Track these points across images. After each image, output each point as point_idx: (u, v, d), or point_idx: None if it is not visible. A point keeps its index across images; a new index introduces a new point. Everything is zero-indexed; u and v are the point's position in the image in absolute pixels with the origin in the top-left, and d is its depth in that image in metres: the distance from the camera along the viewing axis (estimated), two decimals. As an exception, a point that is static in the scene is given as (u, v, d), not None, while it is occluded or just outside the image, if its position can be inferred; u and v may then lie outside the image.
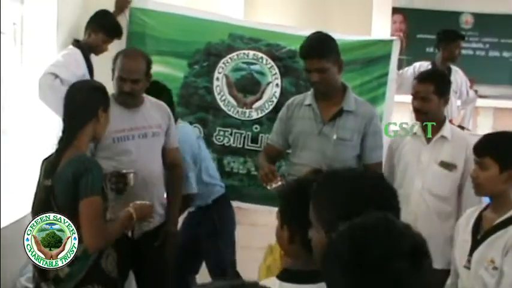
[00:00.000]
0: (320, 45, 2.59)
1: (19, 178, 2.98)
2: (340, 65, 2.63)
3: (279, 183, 2.47)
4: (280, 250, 2.24)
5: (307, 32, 3.52)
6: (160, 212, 2.73)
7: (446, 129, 2.58)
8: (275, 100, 3.56)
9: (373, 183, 1.35)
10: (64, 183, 2.02)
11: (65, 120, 2.15)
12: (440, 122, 2.59)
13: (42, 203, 2.05)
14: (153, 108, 2.73)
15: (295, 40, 3.57)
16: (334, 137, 2.62)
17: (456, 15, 7.74)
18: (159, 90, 2.94)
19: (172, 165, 2.80)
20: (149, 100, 2.75)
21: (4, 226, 2.63)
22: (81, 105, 2.13)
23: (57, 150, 2.11)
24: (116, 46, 3.41)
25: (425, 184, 2.57)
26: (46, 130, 3.17)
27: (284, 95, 3.55)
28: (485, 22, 7.67)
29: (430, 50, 8.07)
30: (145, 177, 2.57)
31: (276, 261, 2.27)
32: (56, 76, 3.01)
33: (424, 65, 4.51)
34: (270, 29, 3.68)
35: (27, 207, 2.63)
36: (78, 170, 2.00)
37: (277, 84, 3.57)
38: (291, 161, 2.79)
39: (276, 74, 3.57)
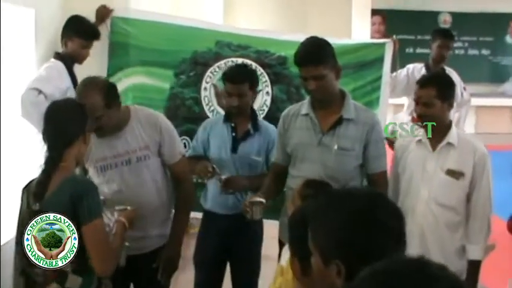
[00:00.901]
0: (316, 51, 2.47)
1: None
2: (338, 71, 2.52)
3: (248, 210, 2.47)
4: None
5: (297, 37, 3.44)
6: (158, 234, 2.58)
7: (452, 135, 2.47)
8: (266, 109, 3.45)
9: (371, 203, 1.24)
10: (59, 208, 1.89)
11: (50, 139, 2.01)
12: (445, 128, 2.49)
13: None
14: (139, 127, 2.51)
15: (284, 46, 3.48)
16: (335, 147, 2.50)
17: (434, 15, 7.79)
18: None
19: (177, 181, 2.65)
20: (137, 116, 2.53)
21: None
22: (69, 122, 2.02)
23: (44, 171, 1.97)
24: (99, 56, 3.30)
25: (432, 193, 2.46)
26: (26, 151, 2.99)
27: (275, 103, 3.46)
28: (464, 21, 7.72)
29: (410, 50, 8.12)
30: (132, 204, 2.36)
31: (288, 282, 2.16)
32: (40, 91, 2.85)
33: (417, 67, 4.44)
34: (258, 35, 3.57)
35: (8, 234, 2.47)
36: (76, 192, 1.89)
37: (267, 92, 3.46)
38: (291, 173, 2.66)
39: (266, 81, 3.46)
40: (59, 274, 1.89)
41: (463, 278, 2.47)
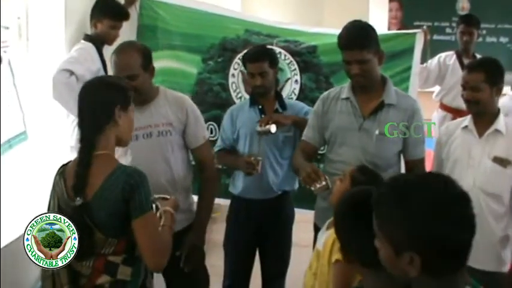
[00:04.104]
0: (361, 35, 2.41)
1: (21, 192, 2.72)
2: (381, 56, 2.47)
3: (323, 183, 2.28)
4: (329, 256, 2.11)
5: (327, 30, 3.39)
6: (178, 218, 2.48)
7: (500, 122, 2.41)
8: (294, 97, 3.40)
9: (441, 191, 1.19)
10: (110, 201, 1.81)
11: (82, 125, 1.89)
12: (493, 114, 2.42)
13: (74, 222, 1.81)
14: (167, 104, 2.50)
15: (314, 37, 3.44)
16: (376, 132, 2.46)
17: (452, 1, 7.65)
18: None
19: (200, 165, 2.62)
20: (165, 95, 2.52)
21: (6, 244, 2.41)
22: (95, 105, 1.87)
23: (81, 162, 1.85)
24: (127, 39, 3.19)
25: (477, 181, 2.40)
26: (58, 134, 2.94)
27: (303, 92, 3.40)
28: (482, 8, 7.57)
29: (427, 37, 7.98)
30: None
31: (323, 267, 2.13)
32: (71, 73, 2.81)
33: (449, 55, 4.39)
34: (288, 27, 3.50)
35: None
36: (129, 185, 1.80)
37: (296, 81, 3.41)
38: (329, 158, 2.61)
39: (295, 69, 3.40)
40: (109, 266, 1.85)
41: (507, 268, 2.42)
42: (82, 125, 1.88)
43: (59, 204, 1.90)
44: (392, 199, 1.21)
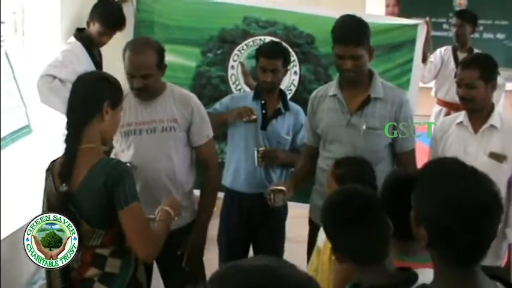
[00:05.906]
0: (358, 31, 2.42)
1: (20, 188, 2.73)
2: (372, 52, 2.49)
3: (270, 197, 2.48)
4: (330, 253, 2.11)
5: (325, 12, 3.38)
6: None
7: (495, 118, 2.42)
8: (293, 89, 3.39)
9: (472, 196, 1.21)
10: (92, 193, 1.82)
11: (68, 115, 1.90)
12: (488, 110, 2.44)
13: (59, 211, 1.83)
14: (172, 101, 2.50)
15: (313, 23, 3.40)
16: (364, 127, 2.48)
17: (450, -3, 7.67)
18: None
19: (203, 164, 2.61)
20: (172, 91, 2.52)
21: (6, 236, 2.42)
22: (84, 96, 1.87)
23: (66, 150, 1.87)
24: (123, 35, 3.20)
25: (474, 177, 2.41)
26: (61, 128, 2.93)
27: (303, 83, 3.40)
28: (479, 4, 7.57)
29: (430, 29, 7.96)
30: (147, 176, 2.33)
31: (324, 264, 2.14)
32: (54, 77, 2.80)
33: (447, 49, 4.40)
34: (286, 9, 3.46)
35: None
36: (110, 178, 1.80)
37: (295, 72, 3.40)
38: (321, 154, 2.64)
39: (294, 61, 3.38)
40: (97, 258, 1.86)
41: (501, 261, 2.44)
42: (70, 114, 1.89)
43: (48, 199, 1.92)
44: (426, 175, 1.27)
